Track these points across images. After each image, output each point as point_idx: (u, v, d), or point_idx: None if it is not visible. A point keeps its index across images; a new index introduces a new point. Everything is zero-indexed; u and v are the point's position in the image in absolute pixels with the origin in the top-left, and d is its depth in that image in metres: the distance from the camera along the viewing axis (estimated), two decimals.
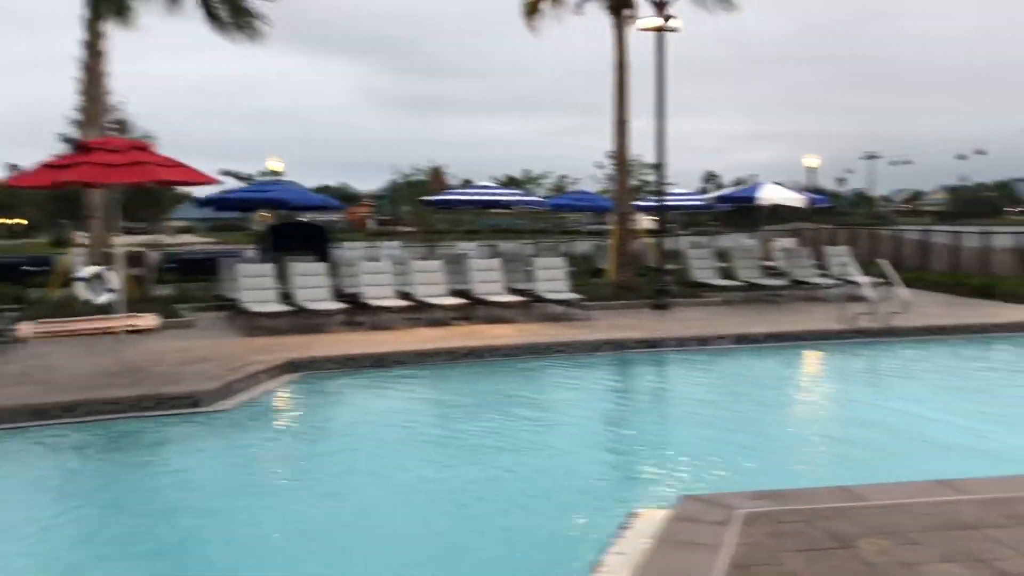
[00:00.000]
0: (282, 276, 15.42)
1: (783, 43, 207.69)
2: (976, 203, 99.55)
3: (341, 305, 14.77)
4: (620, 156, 19.64)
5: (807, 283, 18.40)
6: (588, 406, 10.31)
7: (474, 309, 15.79)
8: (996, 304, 16.79)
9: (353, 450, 8.39)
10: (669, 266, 21.50)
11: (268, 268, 15.55)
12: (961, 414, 9.43)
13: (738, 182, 71.89)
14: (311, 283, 15.24)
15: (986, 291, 18.03)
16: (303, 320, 14.55)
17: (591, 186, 49.38)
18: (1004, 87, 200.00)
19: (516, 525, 6.32)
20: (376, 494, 7.06)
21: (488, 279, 16.25)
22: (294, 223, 23.67)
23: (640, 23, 17.71)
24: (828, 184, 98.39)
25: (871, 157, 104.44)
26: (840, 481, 5.92)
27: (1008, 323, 14.37)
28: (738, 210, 33.59)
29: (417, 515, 6.58)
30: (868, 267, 17.00)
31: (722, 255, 20.88)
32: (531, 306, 16.06)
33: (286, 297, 15.00)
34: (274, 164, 47.85)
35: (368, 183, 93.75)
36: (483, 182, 26.60)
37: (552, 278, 16.54)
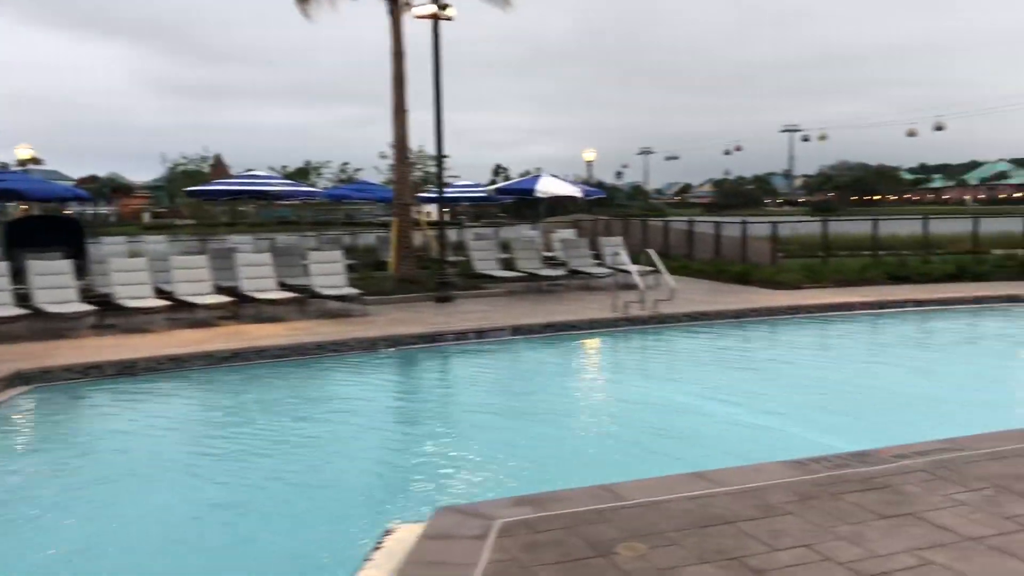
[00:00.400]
0: (20, 275, 13.72)
1: (567, 41, 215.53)
2: (738, 195, 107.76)
3: (88, 307, 13.32)
4: (399, 146, 19.15)
5: (584, 273, 18.79)
6: (359, 410, 9.74)
7: (243, 308, 14.80)
8: (753, 290, 17.86)
9: (83, 475, 7.37)
10: (454, 258, 21.38)
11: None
12: (722, 399, 9.74)
13: (525, 174, 73.49)
14: (53, 283, 13.65)
15: (744, 277, 19.18)
16: (43, 324, 13.00)
17: (376, 176, 48.63)
18: (760, 88, 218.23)
19: (266, 551, 5.71)
20: (105, 527, 6.18)
21: (258, 275, 15.25)
22: (40, 217, 21.33)
23: (415, 10, 17.29)
24: (607, 177, 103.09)
25: (645, 152, 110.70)
26: (612, 475, 5.77)
27: (764, 308, 15.23)
28: (525, 202, 34.12)
29: (149, 550, 5.80)
30: (640, 256, 17.54)
31: (505, 246, 20.97)
32: (307, 303, 15.28)
33: (25, 299, 13.35)
34: (24, 152, 43.37)
35: (143, 173, 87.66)
36: (254, 171, 25.20)
37: (329, 272, 15.80)
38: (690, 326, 14.09)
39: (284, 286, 15.47)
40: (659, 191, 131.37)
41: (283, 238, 25.45)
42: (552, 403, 9.88)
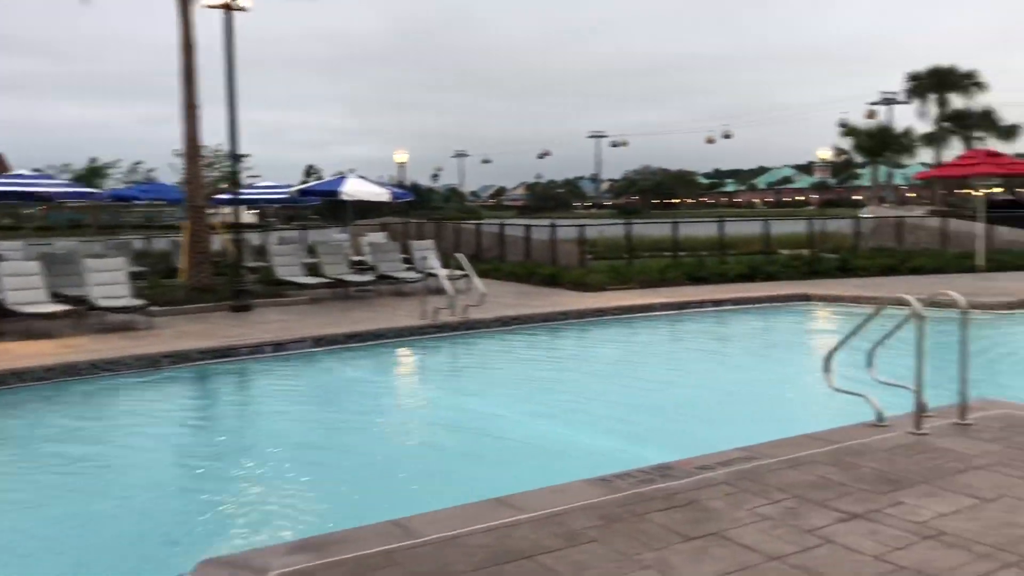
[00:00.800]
0: None
1: (379, 42, 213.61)
2: (550, 198, 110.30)
3: None
4: (190, 144, 17.77)
5: (393, 278, 18.21)
6: (130, 440, 8.67)
7: (7, 323, 13.17)
8: (562, 292, 17.92)
9: None
10: (255, 264, 20.17)
11: None
12: (530, 410, 9.47)
13: (338, 176, 71.66)
14: None
15: (554, 279, 19.25)
16: None
17: (173, 177, 45.69)
18: (569, 94, 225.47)
19: None
20: None
21: (25, 285, 13.62)
22: None
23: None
24: (424, 180, 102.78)
25: (460, 155, 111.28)
26: (411, 506, 5.26)
27: (572, 310, 15.23)
28: (338, 204, 32.93)
29: None
30: (452, 260, 17.18)
31: (312, 251, 20.01)
32: (85, 316, 13.80)
33: None
34: None
35: None
36: (20, 170, 22.80)
37: (109, 282, 14.36)
38: (500, 331, 13.84)
39: (58, 297, 13.92)
40: (475, 194, 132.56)
41: (63, 243, 23.20)
42: (351, 424, 9.21)
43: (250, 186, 29.29)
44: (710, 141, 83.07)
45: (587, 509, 4.99)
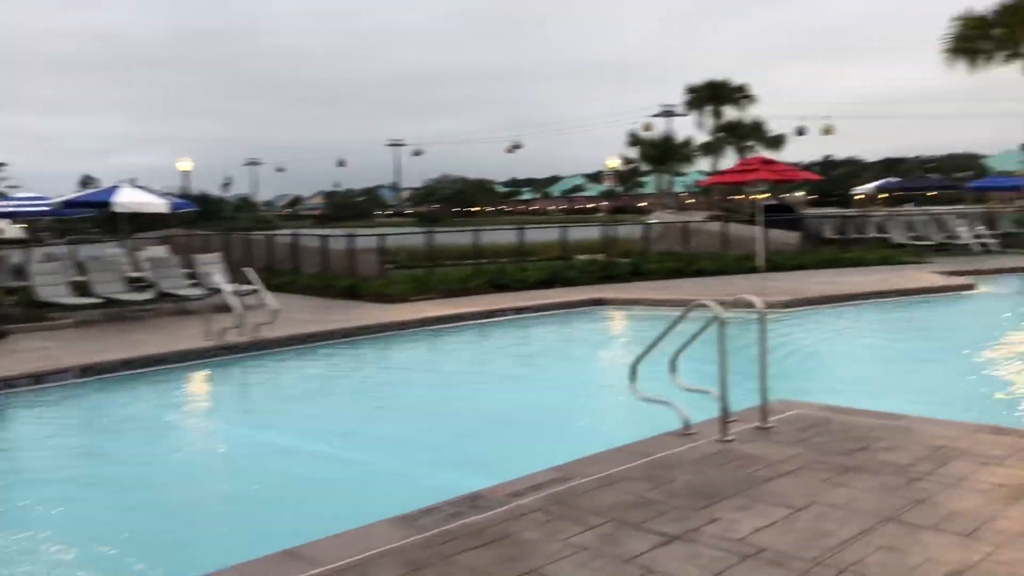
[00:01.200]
0: None
1: (159, 46, 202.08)
2: (349, 207, 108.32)
3: None
4: None
5: (176, 295, 16.79)
6: None
7: None
8: (363, 305, 17.22)
9: None
10: (13, 284, 18.09)
11: None
12: (329, 439, 8.78)
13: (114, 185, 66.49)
14: None
15: (354, 291, 18.52)
16: None
17: None
18: (365, 104, 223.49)
19: None
20: None
21: None
22: None
23: None
24: (213, 189, 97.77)
25: (252, 164, 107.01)
26: (185, 567, 4.51)
27: (374, 324, 14.56)
28: (120, 216, 30.29)
29: None
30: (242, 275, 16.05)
31: (83, 268, 18.12)
32: None
33: None
34: None
35: None
36: None
37: None
38: (295, 350, 12.98)
39: None
40: (269, 203, 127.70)
41: None
42: (120, 468, 8.07)
43: (8, 197, 26.37)
44: (509, 151, 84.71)
45: (390, 555, 4.46)
